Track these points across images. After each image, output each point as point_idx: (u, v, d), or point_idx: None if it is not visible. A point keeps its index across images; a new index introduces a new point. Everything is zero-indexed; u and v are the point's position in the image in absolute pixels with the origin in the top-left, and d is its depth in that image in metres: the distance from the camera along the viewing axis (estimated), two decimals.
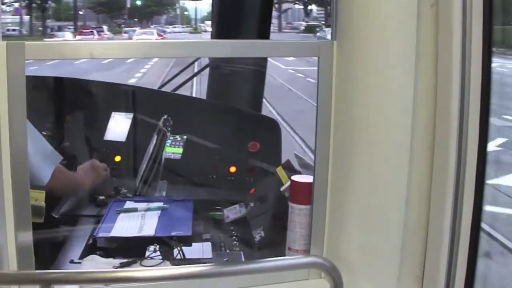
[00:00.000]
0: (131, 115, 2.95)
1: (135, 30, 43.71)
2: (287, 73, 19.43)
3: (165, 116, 2.51)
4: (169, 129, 2.46)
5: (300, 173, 2.24)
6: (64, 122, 2.98)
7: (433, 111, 1.61)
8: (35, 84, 2.88)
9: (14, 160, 1.50)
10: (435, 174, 1.63)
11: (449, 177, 1.57)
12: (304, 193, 1.81)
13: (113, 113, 2.96)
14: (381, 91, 1.61)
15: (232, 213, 2.39)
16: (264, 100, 3.36)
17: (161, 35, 41.22)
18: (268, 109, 10.12)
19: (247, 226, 2.27)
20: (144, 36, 37.32)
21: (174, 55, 1.65)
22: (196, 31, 60.02)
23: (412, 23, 1.57)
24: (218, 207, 2.42)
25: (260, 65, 3.25)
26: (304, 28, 55.29)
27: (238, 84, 3.26)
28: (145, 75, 18.68)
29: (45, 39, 31.49)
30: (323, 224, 1.78)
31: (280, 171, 2.28)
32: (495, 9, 1.50)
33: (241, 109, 3.06)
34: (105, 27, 46.10)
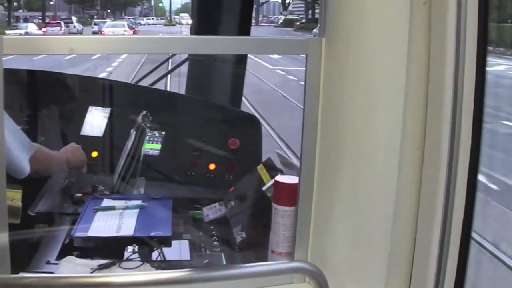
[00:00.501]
0: (108, 110, 2.88)
1: (105, 22, 43.02)
2: (277, 75, 18.36)
3: (144, 112, 2.45)
4: (148, 125, 2.40)
5: (282, 172, 2.19)
6: (39, 116, 2.91)
7: (424, 112, 1.57)
8: (9, 77, 2.81)
9: None
10: (425, 175, 1.58)
11: (439, 179, 1.52)
12: (288, 194, 1.76)
13: (90, 107, 2.89)
14: (370, 90, 1.56)
15: (211, 212, 2.33)
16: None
17: (133, 28, 39.99)
18: (268, 129, 9.69)
19: (228, 225, 2.22)
20: (112, 29, 36.39)
21: (157, 51, 1.58)
22: (170, 23, 59.38)
23: (404, 21, 1.52)
24: (197, 206, 2.37)
25: (240, 60, 3.19)
26: (281, 22, 54.58)
27: (218, 78, 3.20)
28: (111, 75, 17.10)
29: (7, 31, 30.97)
30: (308, 226, 1.73)
31: (261, 169, 2.23)
32: (490, 6, 1.45)
33: (221, 105, 3.01)
34: (74, 19, 44.82)
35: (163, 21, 65.26)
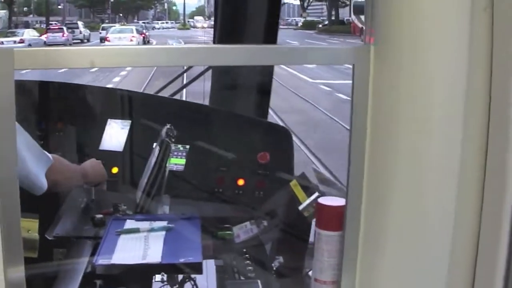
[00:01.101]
0: (128, 123, 2.73)
1: (121, 26, 41.70)
2: (323, 93, 15.18)
3: (168, 126, 2.28)
4: (173, 140, 2.24)
5: (318, 189, 2.03)
6: (55, 130, 2.77)
7: (486, 126, 1.40)
8: (21, 88, 2.68)
9: (2, 184, 1.28)
10: (487, 197, 1.42)
11: (505, 206, 1.36)
12: (333, 218, 1.59)
13: (109, 120, 2.74)
14: (427, 103, 1.40)
15: (242, 231, 2.18)
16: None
17: (143, 33, 37.64)
18: None
19: (261, 248, 2.06)
20: (118, 35, 34.10)
21: (185, 63, 1.43)
22: (184, 26, 58.87)
23: (464, 28, 1.36)
24: (226, 225, 2.21)
25: (267, 67, 3.03)
26: (301, 24, 53.59)
27: (243, 88, 3.04)
28: None
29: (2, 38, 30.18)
30: (355, 253, 1.56)
31: (295, 186, 2.08)
32: None
33: (248, 116, 2.85)
34: (80, 23, 43.43)
35: (177, 24, 64.69)
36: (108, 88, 3.19)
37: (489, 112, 1.39)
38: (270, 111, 3.09)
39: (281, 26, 3.42)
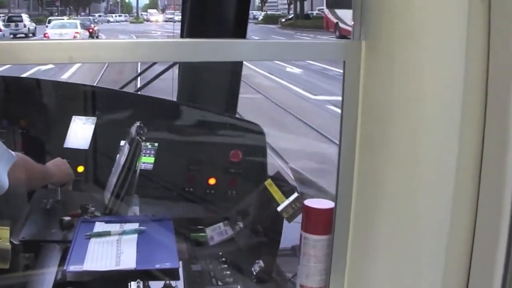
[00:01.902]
0: (94, 119, 2.62)
1: (62, 19, 37.19)
2: (334, 117, 9.56)
3: (138, 123, 2.18)
4: (143, 138, 2.14)
5: (296, 189, 1.96)
6: (17, 127, 2.65)
7: (482, 124, 1.34)
8: None
9: None
10: (483, 201, 1.36)
11: (504, 209, 1.30)
12: (321, 221, 1.52)
13: (74, 117, 2.63)
14: (421, 101, 1.33)
15: (216, 233, 2.09)
16: None
17: (90, 28, 34.10)
18: None
19: (238, 250, 1.98)
20: (59, 30, 28.94)
21: (185, 59, 1.34)
22: (137, 20, 57.75)
23: (460, 20, 1.29)
24: (199, 226, 2.12)
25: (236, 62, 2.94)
26: (262, 18, 51.63)
27: (212, 82, 2.94)
28: None
29: None
30: (344, 257, 1.49)
31: (270, 185, 2.00)
32: None
33: (220, 112, 2.75)
34: (25, 16, 39.41)
35: (129, 18, 63.42)
36: (73, 83, 3.05)
37: (486, 109, 1.33)
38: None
39: None
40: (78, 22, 33.38)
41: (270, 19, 48.72)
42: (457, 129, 1.33)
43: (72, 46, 1.21)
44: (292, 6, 49.05)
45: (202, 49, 1.36)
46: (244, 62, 2.97)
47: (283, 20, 46.19)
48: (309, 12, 46.41)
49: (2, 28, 32.97)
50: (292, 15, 47.55)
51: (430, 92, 1.33)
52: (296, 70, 17.17)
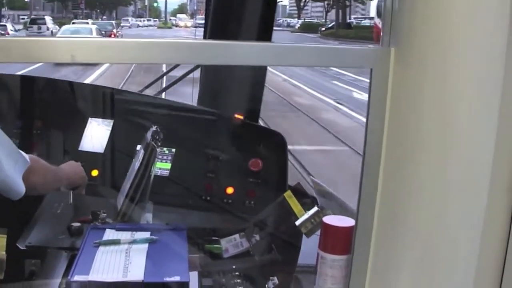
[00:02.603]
0: (111, 122, 2.55)
1: (75, 24, 34.63)
2: None
3: (154, 128, 2.10)
4: (159, 143, 2.05)
5: (317, 202, 1.87)
6: (32, 128, 2.58)
7: None
8: None
9: None
10: None
11: None
12: (340, 240, 1.43)
13: (90, 119, 2.56)
14: (454, 115, 1.23)
15: (231, 245, 2.00)
16: None
17: (112, 33, 32.57)
18: None
19: (253, 265, 1.89)
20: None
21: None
22: (166, 25, 56.50)
23: (501, 30, 1.20)
24: (214, 237, 2.03)
25: (260, 67, 2.85)
26: (299, 26, 48.99)
27: (235, 87, 2.85)
28: None
29: None
30: (363, 279, 1.39)
31: (289, 197, 1.91)
32: None
33: (240, 119, 2.66)
34: (48, 18, 39.17)
35: (158, 22, 62.52)
36: (89, 84, 2.98)
37: None
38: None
39: (276, 28, 3.23)
40: (94, 27, 32.17)
41: (308, 28, 46.38)
42: (492, 149, 1.23)
43: (74, 44, 1.13)
44: (328, 13, 47.54)
45: (223, 51, 1.27)
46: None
47: (323, 29, 43.82)
48: (349, 20, 44.67)
49: (10, 31, 32.10)
50: (332, 23, 45.34)
51: (464, 106, 1.23)
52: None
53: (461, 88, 1.22)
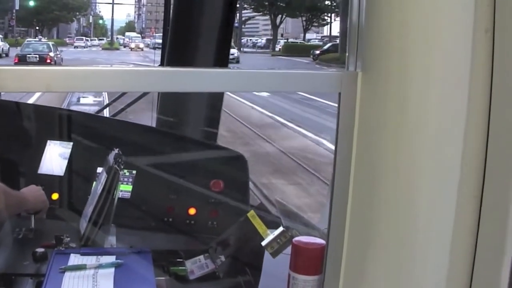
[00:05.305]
0: (70, 145, 2.53)
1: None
2: None
3: (116, 150, 2.09)
4: (122, 166, 2.05)
5: (281, 222, 1.88)
6: None
7: (483, 162, 1.28)
8: None
9: None
10: (483, 237, 1.30)
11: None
12: (312, 261, 1.45)
13: (48, 142, 2.54)
14: (419, 137, 1.27)
15: (196, 266, 2.01)
16: None
17: (47, 58, 26.32)
18: None
19: (218, 285, 1.90)
20: None
21: (165, 89, 1.26)
22: (112, 46, 51.98)
23: (464, 52, 1.24)
24: (179, 259, 2.04)
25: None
26: (280, 48, 39.48)
27: (193, 109, 2.86)
28: None
29: None
30: None
31: (253, 217, 1.93)
32: None
33: (201, 141, 2.68)
34: None
35: (102, 42, 58.64)
36: (48, 106, 2.94)
37: (486, 150, 1.27)
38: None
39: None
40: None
41: (291, 50, 35.95)
42: (458, 162, 1.27)
43: (50, 73, 1.13)
44: (306, 31, 38.36)
45: (182, 78, 1.28)
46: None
47: (317, 52, 32.05)
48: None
49: (1, 44, 30.78)
50: (328, 45, 33.81)
51: (429, 129, 1.27)
52: None
53: (426, 113, 1.26)
